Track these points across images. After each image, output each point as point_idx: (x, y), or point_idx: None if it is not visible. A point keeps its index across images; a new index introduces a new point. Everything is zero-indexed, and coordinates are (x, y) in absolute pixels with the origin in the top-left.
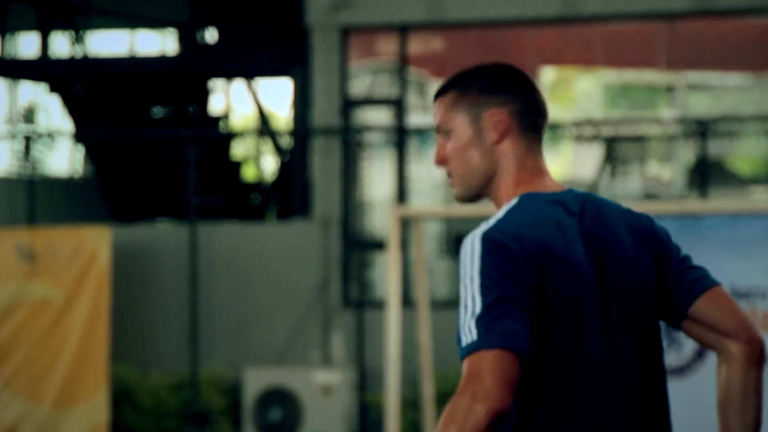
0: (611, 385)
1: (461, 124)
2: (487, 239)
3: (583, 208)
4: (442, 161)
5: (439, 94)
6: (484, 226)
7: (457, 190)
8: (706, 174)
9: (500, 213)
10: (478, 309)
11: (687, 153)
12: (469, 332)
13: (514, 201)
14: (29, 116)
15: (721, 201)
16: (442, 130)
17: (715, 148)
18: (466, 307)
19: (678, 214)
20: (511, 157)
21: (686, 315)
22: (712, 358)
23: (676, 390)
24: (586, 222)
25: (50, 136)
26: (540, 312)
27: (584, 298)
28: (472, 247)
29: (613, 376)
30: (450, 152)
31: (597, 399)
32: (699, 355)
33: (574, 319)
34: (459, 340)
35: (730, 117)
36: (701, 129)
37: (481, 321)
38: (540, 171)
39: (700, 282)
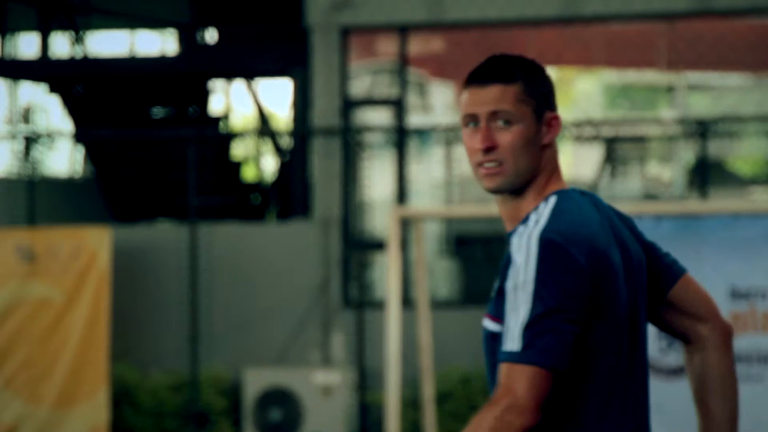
0: (636, 401)
1: (527, 119)
2: (546, 242)
3: (599, 206)
4: (493, 146)
5: (501, 79)
6: (536, 225)
7: (498, 180)
8: (706, 174)
9: (545, 211)
10: (526, 317)
11: (687, 153)
12: (512, 339)
13: (552, 199)
14: (27, 117)
15: (721, 201)
16: (501, 117)
17: (715, 148)
18: (514, 310)
19: (678, 214)
20: (551, 159)
21: (664, 301)
22: None
23: (677, 390)
24: (606, 221)
25: (50, 136)
26: (588, 322)
27: (622, 305)
28: (528, 248)
29: (639, 393)
30: (507, 143)
31: (622, 414)
32: None
33: (615, 330)
34: (498, 339)
35: (730, 117)
36: (701, 129)
37: (528, 332)
38: (561, 173)
39: (675, 267)
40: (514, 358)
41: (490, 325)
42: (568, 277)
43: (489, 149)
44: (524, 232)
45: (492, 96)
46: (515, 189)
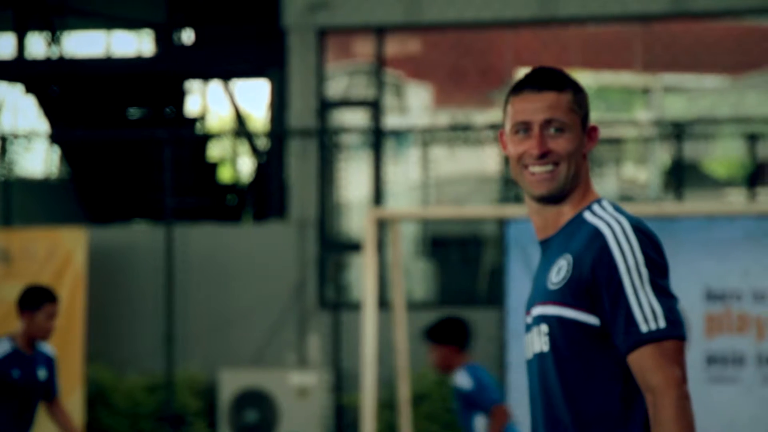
0: None
1: (576, 127)
2: (641, 230)
3: None
4: (548, 152)
5: (554, 87)
6: (618, 221)
7: (550, 186)
8: (681, 176)
9: (610, 209)
10: (654, 298)
11: (663, 155)
12: (649, 320)
13: (607, 202)
14: None
15: (696, 203)
16: (555, 124)
17: (691, 150)
18: (634, 294)
19: (654, 216)
20: (587, 169)
21: None
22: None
23: None
24: None
25: (26, 137)
26: None
27: None
28: (626, 238)
29: None
30: (561, 149)
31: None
32: None
33: None
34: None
35: (705, 119)
36: (677, 131)
37: (665, 310)
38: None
39: None
40: (662, 335)
41: (554, 310)
42: (664, 259)
43: (544, 155)
44: (611, 224)
45: (546, 104)
46: (562, 195)
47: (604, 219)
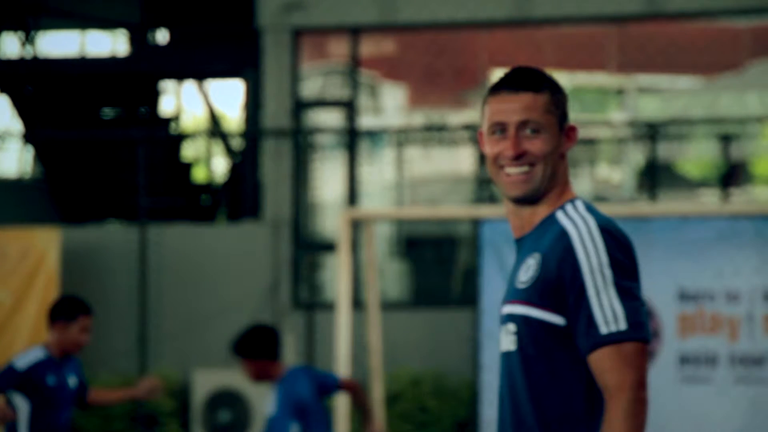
0: None
1: (553, 128)
2: (608, 231)
3: None
4: (523, 153)
5: (531, 87)
6: (585, 221)
7: (525, 188)
8: (655, 177)
9: (581, 210)
10: (617, 299)
11: (637, 156)
12: (609, 321)
13: (580, 202)
14: None
15: (670, 204)
16: (530, 126)
17: (665, 150)
18: (596, 296)
19: (627, 216)
20: (565, 169)
21: None
22: (661, 358)
23: None
24: None
25: None
26: None
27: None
28: (591, 238)
29: None
30: (536, 151)
31: None
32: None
33: None
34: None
35: (679, 120)
36: (651, 132)
37: (627, 311)
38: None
39: None
40: (622, 337)
41: (521, 309)
42: (632, 260)
43: (519, 156)
44: (578, 225)
45: (522, 105)
46: (538, 196)
47: (573, 219)
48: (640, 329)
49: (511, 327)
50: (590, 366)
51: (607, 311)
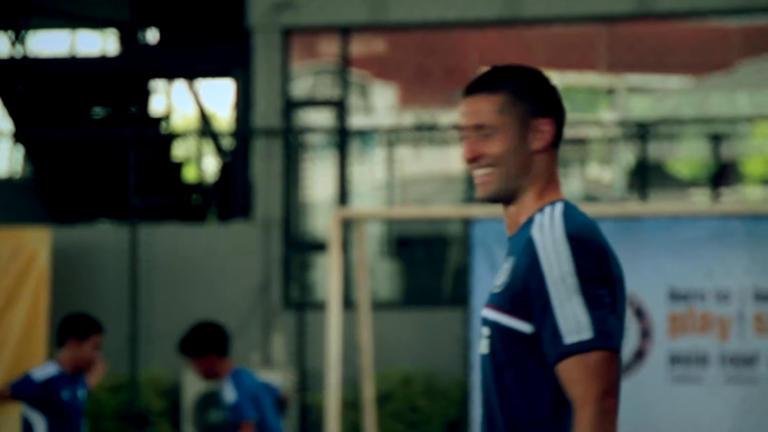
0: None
1: (510, 127)
2: (575, 238)
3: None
4: (476, 157)
5: (485, 89)
6: (554, 225)
7: (488, 189)
8: (645, 176)
9: (556, 214)
10: (583, 307)
11: (627, 155)
12: (575, 331)
13: (559, 204)
14: None
15: (660, 203)
16: (486, 128)
17: (655, 150)
18: (561, 306)
19: (618, 216)
20: (545, 166)
21: None
22: (652, 358)
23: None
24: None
25: None
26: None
27: (623, 310)
28: (554, 245)
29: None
30: (490, 153)
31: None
32: (639, 356)
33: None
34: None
35: (670, 120)
36: (641, 131)
37: (593, 320)
38: (559, 182)
39: None
40: (586, 346)
41: (492, 315)
42: (603, 267)
43: (473, 160)
44: (544, 231)
45: (474, 108)
46: (506, 197)
47: (542, 226)
48: (606, 338)
49: (485, 331)
50: (558, 376)
51: (571, 321)
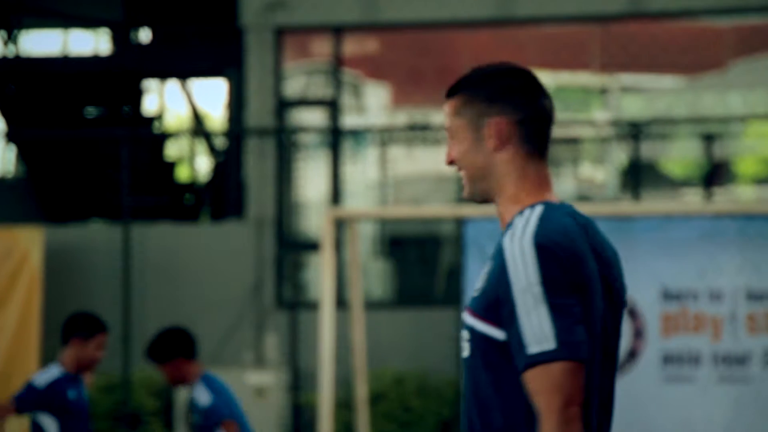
0: (603, 406)
1: (464, 128)
2: (540, 245)
3: (585, 223)
4: (450, 161)
5: (449, 94)
6: (525, 232)
7: (466, 190)
8: (638, 176)
9: (532, 218)
10: (547, 317)
11: (620, 155)
12: (539, 341)
13: (539, 208)
14: None
15: (653, 203)
16: (448, 131)
17: (648, 150)
18: (527, 314)
19: (610, 215)
20: (512, 166)
21: None
22: (644, 357)
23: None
24: (590, 239)
25: None
26: None
27: (598, 316)
28: (522, 253)
29: (605, 397)
30: (454, 155)
31: (588, 418)
32: (631, 356)
33: (590, 333)
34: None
35: (662, 119)
36: (634, 131)
37: (556, 330)
38: (544, 180)
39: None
40: (550, 357)
41: (469, 319)
42: (573, 275)
43: (449, 163)
44: (514, 239)
45: (444, 112)
46: (482, 198)
47: (514, 232)
48: (571, 348)
49: (465, 334)
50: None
51: (536, 330)
